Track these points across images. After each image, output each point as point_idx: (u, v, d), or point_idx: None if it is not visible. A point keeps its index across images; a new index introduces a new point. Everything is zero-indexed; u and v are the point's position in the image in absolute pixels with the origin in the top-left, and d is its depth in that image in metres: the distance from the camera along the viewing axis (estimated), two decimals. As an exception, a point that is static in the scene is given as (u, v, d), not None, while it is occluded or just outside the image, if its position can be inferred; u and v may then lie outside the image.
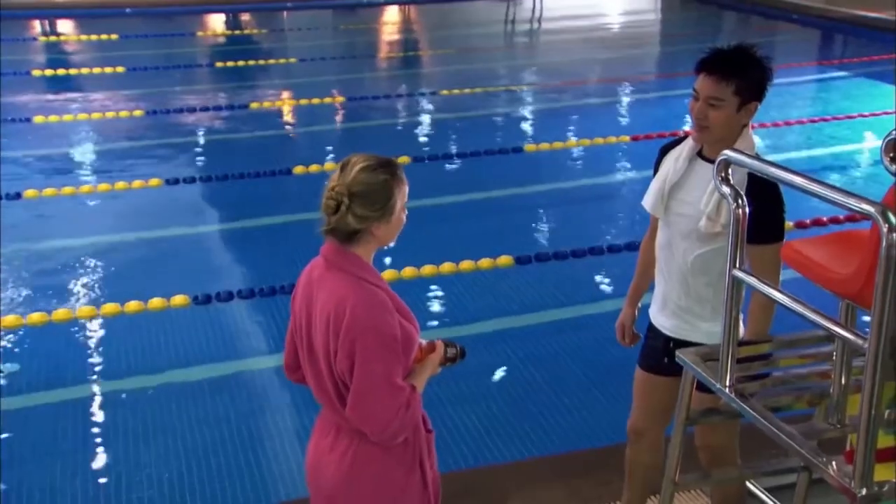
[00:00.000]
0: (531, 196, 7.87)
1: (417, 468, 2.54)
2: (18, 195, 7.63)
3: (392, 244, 2.56)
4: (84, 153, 9.03)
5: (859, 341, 2.06)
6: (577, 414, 4.78)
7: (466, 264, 6.38)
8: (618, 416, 3.93)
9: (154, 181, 7.96)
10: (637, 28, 17.41)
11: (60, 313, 5.66)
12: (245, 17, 17.71)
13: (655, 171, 3.22)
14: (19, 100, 10.97)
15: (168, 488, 4.16)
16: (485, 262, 6.42)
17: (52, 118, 9.96)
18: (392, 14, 19.04)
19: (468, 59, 14.17)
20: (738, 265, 2.42)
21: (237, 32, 16.70)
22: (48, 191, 7.72)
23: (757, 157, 2.37)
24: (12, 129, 9.61)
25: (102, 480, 4.21)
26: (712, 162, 2.94)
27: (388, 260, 6.27)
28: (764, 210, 2.53)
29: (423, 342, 2.58)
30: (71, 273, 6.35)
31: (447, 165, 8.72)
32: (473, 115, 10.59)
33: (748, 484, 3.30)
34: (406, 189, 2.47)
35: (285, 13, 18.20)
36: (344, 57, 14.12)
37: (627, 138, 9.45)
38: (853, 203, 2.01)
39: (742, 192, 2.39)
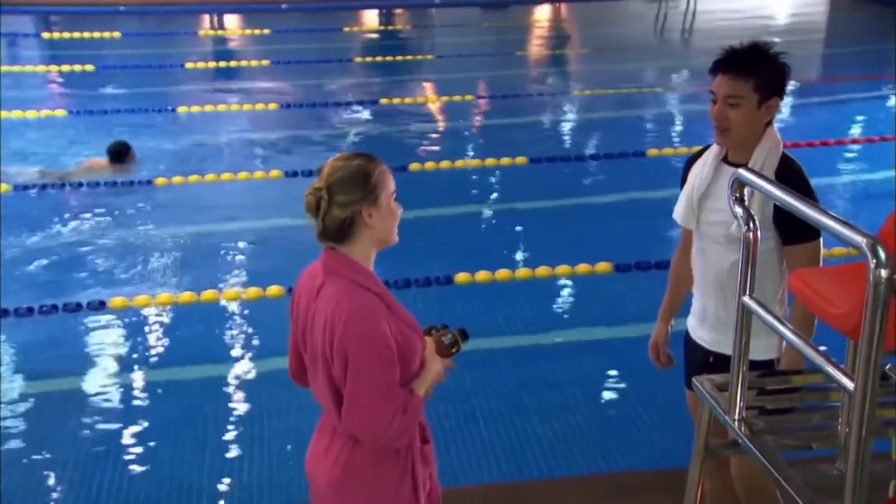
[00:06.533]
0: (642, 202, 7.62)
1: (409, 476, 2.53)
2: (150, 182, 8.05)
3: (395, 241, 2.51)
4: (213, 144, 9.36)
5: (849, 383, 1.90)
6: (657, 431, 4.63)
7: (563, 269, 6.29)
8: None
9: (274, 172, 8.21)
10: (800, 28, 16.55)
11: (163, 297, 5.94)
12: (395, 13, 18.00)
13: (683, 183, 3.10)
14: (169, 90, 11.59)
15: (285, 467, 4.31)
16: (582, 268, 6.30)
17: (194, 108, 10.43)
18: (541, 12, 18.88)
19: (610, 59, 13.90)
20: (748, 292, 2.29)
21: (382, 28, 17.00)
22: (176, 178, 8.10)
23: (767, 179, 2.23)
24: (156, 118, 10.15)
25: (229, 456, 4.43)
26: (738, 166, 2.84)
27: (483, 261, 6.23)
28: None
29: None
30: (179, 259, 6.64)
31: (563, 167, 8.59)
32: (603, 117, 10.42)
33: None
34: (390, 178, 2.45)
35: (434, 10, 18.41)
36: (483, 55, 14.10)
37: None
38: (845, 233, 1.86)
39: (754, 215, 2.26)
